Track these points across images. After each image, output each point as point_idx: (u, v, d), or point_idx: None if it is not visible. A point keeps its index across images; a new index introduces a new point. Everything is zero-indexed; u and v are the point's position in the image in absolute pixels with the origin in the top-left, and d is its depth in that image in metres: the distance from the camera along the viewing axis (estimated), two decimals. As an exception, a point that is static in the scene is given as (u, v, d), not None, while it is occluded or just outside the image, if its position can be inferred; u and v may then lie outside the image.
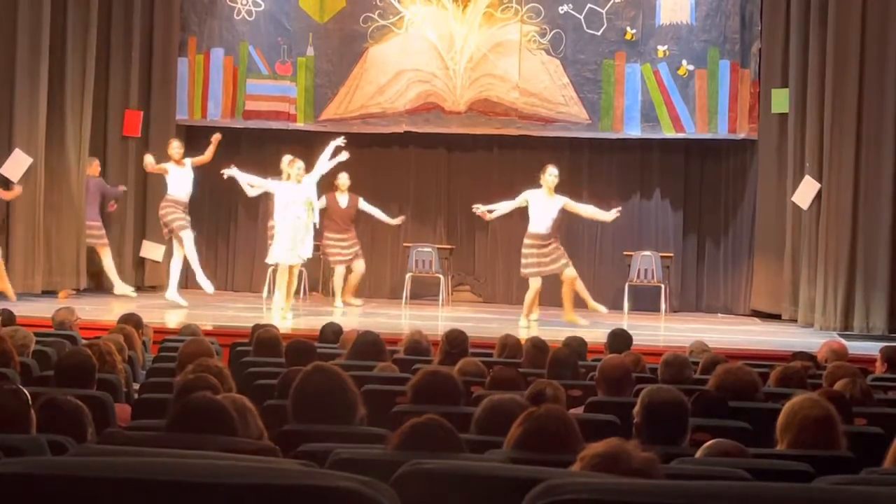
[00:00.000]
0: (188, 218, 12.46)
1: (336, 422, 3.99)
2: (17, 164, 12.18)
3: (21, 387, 3.69)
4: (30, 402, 3.41)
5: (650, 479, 2.54)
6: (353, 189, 13.27)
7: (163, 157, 12.75)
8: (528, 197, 11.68)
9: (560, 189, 13.09)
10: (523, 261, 11.75)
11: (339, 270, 13.20)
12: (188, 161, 12.57)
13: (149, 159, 12.53)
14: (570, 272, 11.80)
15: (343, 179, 13.04)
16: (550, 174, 11.61)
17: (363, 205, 13.21)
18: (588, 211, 12.11)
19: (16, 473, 1.74)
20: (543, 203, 11.57)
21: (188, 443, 3.07)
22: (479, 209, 12.18)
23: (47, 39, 12.52)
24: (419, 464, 2.49)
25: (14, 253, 12.37)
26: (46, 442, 3.17)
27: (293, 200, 11.46)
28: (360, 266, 13.31)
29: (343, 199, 13.09)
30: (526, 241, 11.72)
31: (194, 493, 1.64)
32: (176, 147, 12.57)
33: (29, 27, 12.34)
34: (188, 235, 12.37)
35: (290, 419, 4.07)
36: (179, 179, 12.43)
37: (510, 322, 11.68)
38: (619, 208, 12.23)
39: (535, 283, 11.77)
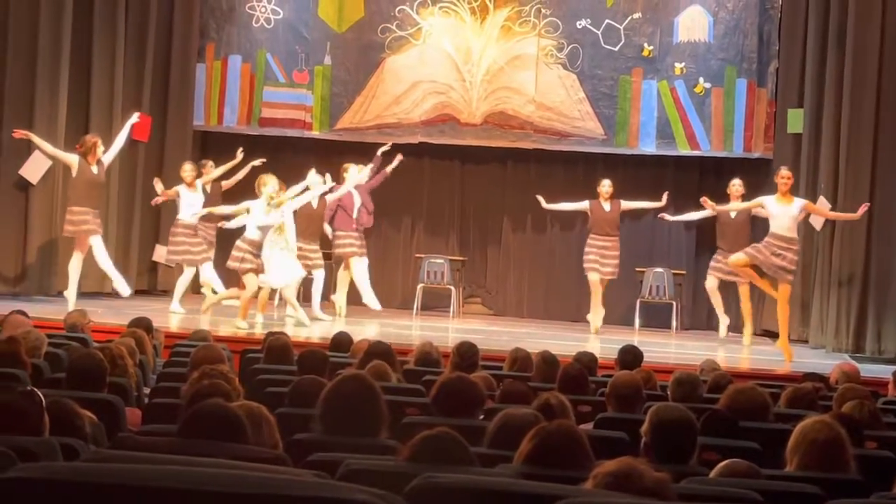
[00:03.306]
0: (203, 245, 12.44)
1: (361, 432, 3.99)
2: (36, 166, 12.23)
3: (35, 389, 3.70)
4: (44, 404, 3.42)
5: (662, 500, 2.54)
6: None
7: (178, 163, 12.80)
8: (763, 202, 11.45)
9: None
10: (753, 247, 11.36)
11: (594, 278, 12.72)
12: (199, 183, 12.50)
13: (159, 187, 12.49)
14: (786, 288, 11.28)
15: (605, 187, 12.79)
16: (781, 175, 11.31)
17: (626, 204, 12.89)
18: (833, 214, 11.67)
19: (33, 479, 1.75)
20: (776, 206, 11.23)
21: (200, 450, 3.08)
22: (709, 203, 11.98)
23: (68, 43, 12.62)
24: (432, 477, 2.49)
25: (31, 254, 12.43)
26: (59, 445, 3.18)
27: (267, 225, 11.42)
28: (602, 285, 12.85)
29: (607, 206, 12.77)
30: (767, 238, 11.26)
31: (211, 502, 1.65)
32: (188, 170, 12.43)
33: (50, 31, 12.43)
34: (208, 265, 12.52)
35: (315, 422, 4.07)
36: (189, 205, 12.32)
37: (520, 335, 11.67)
38: (868, 204, 11.63)
39: (783, 289, 11.26)
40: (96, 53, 13.17)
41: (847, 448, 4.10)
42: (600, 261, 12.69)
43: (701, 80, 13.95)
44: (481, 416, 4.88)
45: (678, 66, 14.00)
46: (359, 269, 12.82)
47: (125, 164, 13.43)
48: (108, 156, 11.93)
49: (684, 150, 14.08)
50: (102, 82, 13.24)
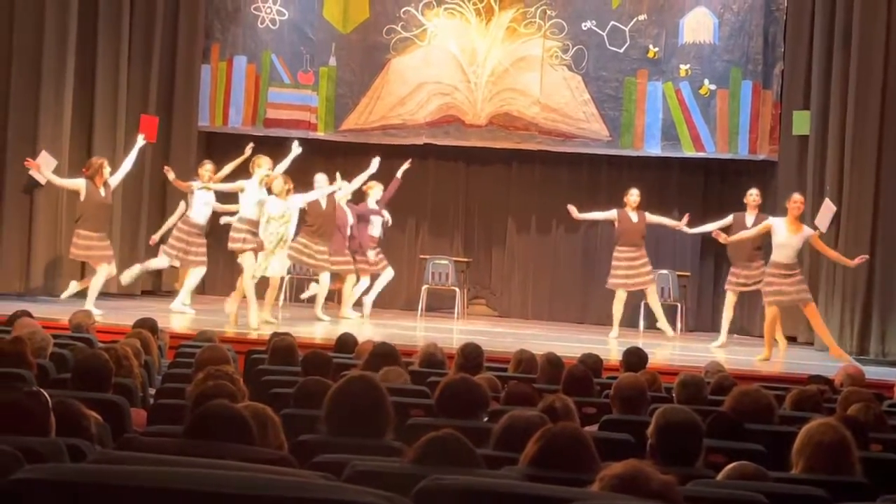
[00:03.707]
0: (204, 248, 12.36)
1: (367, 433, 3.99)
2: (44, 166, 12.23)
3: (41, 389, 3.70)
4: (50, 404, 3.42)
5: (669, 502, 2.54)
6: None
7: (183, 164, 12.81)
8: (772, 225, 11.26)
9: (579, 206, 13.07)
10: (765, 288, 11.24)
11: (621, 295, 12.56)
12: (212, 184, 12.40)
13: (171, 175, 12.42)
14: (811, 307, 11.19)
15: (633, 196, 12.54)
16: (794, 200, 11.21)
17: (650, 217, 12.64)
18: (833, 255, 11.43)
19: (41, 480, 1.75)
20: (785, 232, 11.10)
21: (206, 451, 3.08)
22: (721, 236, 11.79)
23: (74, 43, 12.65)
24: (439, 479, 2.49)
25: (36, 255, 12.44)
26: (65, 446, 3.19)
27: (274, 216, 11.34)
28: (652, 291, 12.72)
29: (634, 216, 12.51)
30: (768, 269, 11.26)
31: (219, 503, 1.65)
32: (208, 170, 12.27)
33: (55, 31, 12.45)
34: (200, 272, 12.38)
35: (321, 422, 4.07)
36: (204, 203, 12.25)
37: (525, 337, 11.66)
38: (866, 256, 11.47)
39: (771, 311, 11.24)
40: (101, 55, 13.17)
41: (852, 450, 4.10)
42: (628, 273, 12.52)
43: (706, 81, 13.95)
44: (485, 418, 4.88)
45: (683, 67, 14.00)
46: (348, 283, 12.81)
47: (137, 167, 13.42)
48: (115, 178, 11.94)
49: (689, 152, 14.09)
50: (108, 84, 13.25)
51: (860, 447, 4.29)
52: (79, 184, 11.65)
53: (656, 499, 2.55)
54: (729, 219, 12.10)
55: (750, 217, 11.94)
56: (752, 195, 12.04)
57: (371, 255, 12.91)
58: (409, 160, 13.38)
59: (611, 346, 11.66)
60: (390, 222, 13.28)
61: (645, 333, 13.15)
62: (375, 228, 13.03)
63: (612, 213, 12.68)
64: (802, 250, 12.20)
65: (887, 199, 11.88)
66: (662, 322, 12.73)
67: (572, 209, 12.86)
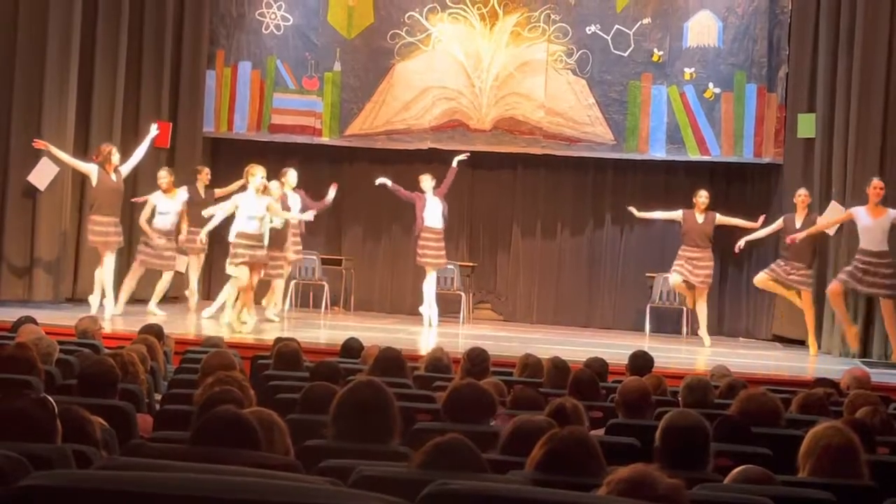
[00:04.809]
0: (174, 253, 12.39)
1: (373, 439, 3.99)
2: (44, 172, 12.25)
3: (47, 396, 3.71)
4: (56, 411, 3.42)
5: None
6: (379, 204, 13.24)
7: (188, 169, 12.82)
8: (854, 214, 11.20)
9: (584, 210, 13.06)
10: (849, 270, 11.16)
11: (675, 279, 12.56)
12: (180, 191, 12.36)
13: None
14: (888, 304, 11.06)
15: (702, 198, 12.47)
16: (874, 185, 11.10)
17: (720, 219, 12.54)
18: None
19: (50, 486, 1.75)
20: (868, 217, 11.02)
21: (213, 456, 3.08)
22: (799, 236, 11.70)
23: (77, 48, 12.65)
24: (445, 484, 2.49)
25: (39, 260, 12.45)
26: (72, 452, 3.19)
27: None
28: (702, 297, 12.59)
29: (700, 217, 12.43)
30: (857, 256, 11.15)
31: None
32: (164, 177, 12.31)
33: (59, 36, 12.45)
34: (170, 275, 12.46)
35: (327, 427, 4.08)
36: (161, 212, 12.27)
37: (531, 341, 11.66)
38: None
39: (833, 288, 11.16)
40: (105, 62, 13.18)
41: (859, 454, 4.09)
42: (687, 267, 12.42)
43: (711, 85, 13.95)
44: (492, 422, 4.88)
45: (688, 71, 14.00)
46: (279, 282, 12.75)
47: (148, 171, 13.42)
48: (126, 166, 12.01)
49: (694, 156, 14.08)
50: (112, 91, 13.25)
51: (867, 451, 4.28)
52: (90, 169, 11.78)
53: (663, 503, 2.54)
54: (779, 222, 12.05)
55: (799, 219, 11.90)
56: (801, 196, 11.95)
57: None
58: (468, 153, 13.35)
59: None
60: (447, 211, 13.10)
61: (651, 336, 13.14)
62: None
63: (677, 213, 12.61)
64: (825, 261, 12.22)
65: (892, 201, 11.85)
66: (703, 330, 12.63)
67: (633, 210, 12.82)
